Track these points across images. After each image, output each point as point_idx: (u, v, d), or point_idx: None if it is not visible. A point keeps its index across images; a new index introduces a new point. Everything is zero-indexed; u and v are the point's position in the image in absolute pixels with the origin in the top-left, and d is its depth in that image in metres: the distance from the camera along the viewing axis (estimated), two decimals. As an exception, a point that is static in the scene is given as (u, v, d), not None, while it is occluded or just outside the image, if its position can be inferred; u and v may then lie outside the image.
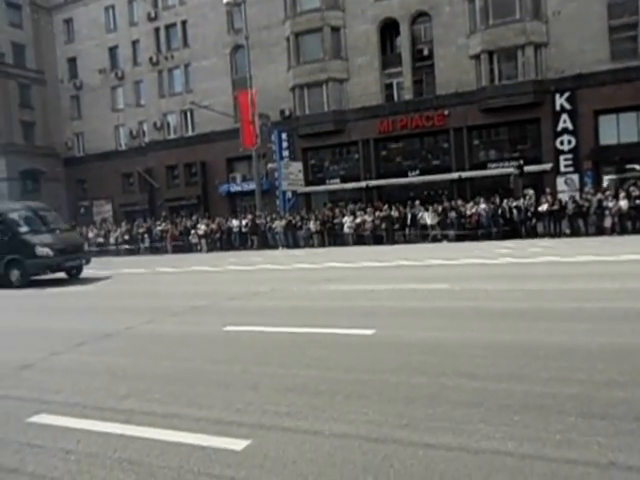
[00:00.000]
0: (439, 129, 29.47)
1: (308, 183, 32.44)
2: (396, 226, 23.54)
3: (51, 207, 18.02)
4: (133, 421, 3.82)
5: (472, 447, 3.06)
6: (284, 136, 31.99)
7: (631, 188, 20.93)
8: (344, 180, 31.84)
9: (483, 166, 28.66)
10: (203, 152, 35.48)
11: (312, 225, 25.01)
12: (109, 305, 10.38)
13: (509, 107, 27.06)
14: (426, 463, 2.92)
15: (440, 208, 23.32)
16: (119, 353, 6.09)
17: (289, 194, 31.49)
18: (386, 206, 24.84)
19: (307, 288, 10.75)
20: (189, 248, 27.67)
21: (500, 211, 22.17)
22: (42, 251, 14.37)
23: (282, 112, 32.70)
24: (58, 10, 42.88)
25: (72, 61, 42.47)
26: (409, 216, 23.52)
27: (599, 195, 21.01)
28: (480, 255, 15.12)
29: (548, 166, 26.85)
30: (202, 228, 27.66)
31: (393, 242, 23.05)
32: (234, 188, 34.90)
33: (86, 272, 16.28)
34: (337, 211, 26.17)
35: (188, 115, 37.04)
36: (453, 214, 22.81)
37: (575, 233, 20.68)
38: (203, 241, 27.37)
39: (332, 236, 24.67)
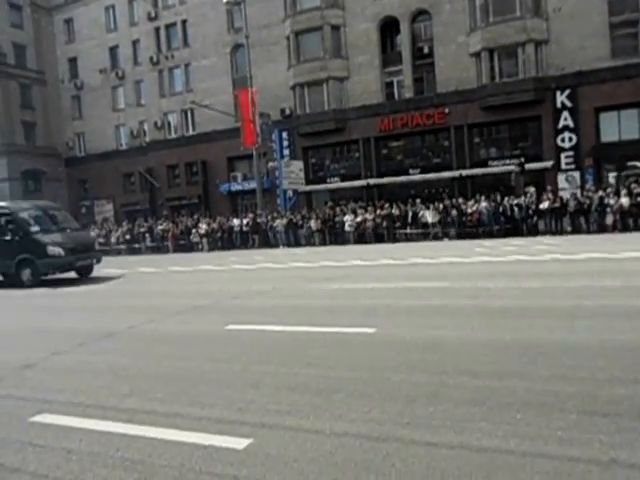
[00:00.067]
0: (440, 127, 29.46)
1: (309, 182, 32.46)
2: (397, 224, 23.53)
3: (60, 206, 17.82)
4: (135, 420, 3.83)
5: (474, 445, 3.07)
6: (285, 135, 32.01)
7: (632, 185, 20.89)
8: (345, 179, 31.84)
9: (484, 164, 28.64)
10: (204, 151, 35.50)
11: (313, 224, 25.01)
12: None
13: (510, 105, 27.04)
14: (427, 461, 2.92)
15: (441, 206, 23.30)
16: (121, 352, 6.10)
17: (290, 193, 31.49)
18: (387, 204, 24.82)
19: (308, 287, 10.75)
20: (190, 247, 27.68)
21: (501, 209, 22.14)
22: (53, 251, 14.21)
23: (282, 111, 32.71)
24: (58, 10, 42.92)
25: (73, 61, 42.52)
26: (410, 214, 23.52)
27: (600, 192, 20.97)
28: (481, 253, 15.11)
29: (549, 164, 26.83)
30: (203, 227, 27.66)
31: (394, 240, 23.04)
32: (235, 187, 34.92)
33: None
34: (338, 210, 26.15)
35: (189, 114, 37.06)
36: (454, 212, 22.80)
37: (576, 231, 20.65)
38: (204, 240, 27.37)
39: (333, 235, 24.68)
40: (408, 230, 23.43)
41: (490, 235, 21.52)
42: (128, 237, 30.19)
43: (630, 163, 25.86)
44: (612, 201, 20.11)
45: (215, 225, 27.69)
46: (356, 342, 5.76)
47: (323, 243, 24.52)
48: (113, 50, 40.78)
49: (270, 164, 31.74)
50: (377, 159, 31.14)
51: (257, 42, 31.57)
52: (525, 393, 3.80)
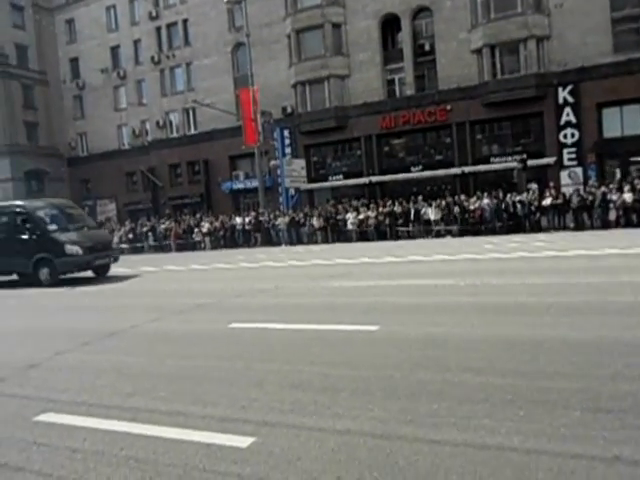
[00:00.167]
0: (441, 124, 29.39)
1: (311, 180, 32.47)
2: (399, 222, 23.52)
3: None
4: (139, 419, 3.83)
5: (477, 442, 3.06)
6: (286, 133, 31.97)
7: (636, 181, 20.84)
8: (347, 176, 31.82)
9: (486, 161, 28.57)
10: (206, 150, 35.52)
11: (315, 222, 25.01)
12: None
13: (512, 101, 26.97)
14: (431, 459, 2.92)
15: (443, 203, 23.26)
16: (124, 351, 6.11)
17: (292, 191, 31.47)
18: (389, 202, 24.81)
19: (311, 285, 10.75)
20: (193, 246, 27.73)
21: (504, 206, 22.11)
22: (72, 249, 14.02)
23: (284, 109, 32.69)
24: (60, 11, 42.98)
25: (74, 61, 42.59)
26: (412, 211, 23.50)
27: (603, 188, 20.91)
28: (484, 250, 15.08)
29: (551, 160, 26.75)
30: (206, 226, 27.69)
31: (397, 238, 23.03)
32: (237, 186, 34.93)
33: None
34: (340, 207, 26.16)
35: (190, 113, 37.07)
36: (456, 209, 22.77)
37: (579, 227, 20.60)
38: (207, 239, 27.41)
39: (335, 232, 24.68)
40: (410, 227, 23.42)
41: (493, 232, 21.49)
42: (131, 236, 30.23)
43: (633, 158, 25.66)
44: (615, 197, 20.06)
45: (217, 224, 27.72)
46: (359, 340, 5.77)
47: (325, 241, 24.52)
48: (114, 50, 40.84)
49: (272, 162, 31.73)
50: (379, 157, 31.10)
51: (258, 41, 31.56)
52: (528, 390, 3.79)
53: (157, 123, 38.29)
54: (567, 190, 23.21)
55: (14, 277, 15.67)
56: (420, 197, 24.80)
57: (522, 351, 4.76)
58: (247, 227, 26.91)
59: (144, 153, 38.60)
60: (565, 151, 26.73)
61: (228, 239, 27.23)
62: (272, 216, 26.87)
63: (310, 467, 2.95)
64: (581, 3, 26.00)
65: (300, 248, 22.75)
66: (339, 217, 24.90)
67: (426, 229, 23.03)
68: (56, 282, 13.95)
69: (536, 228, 21.26)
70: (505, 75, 27.57)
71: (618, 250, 12.56)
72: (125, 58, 40.40)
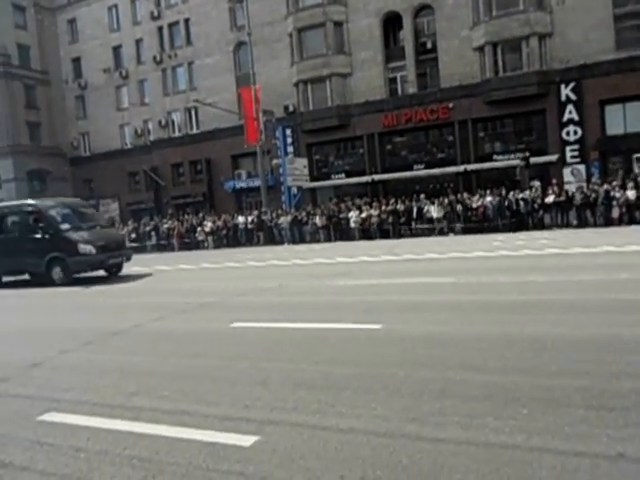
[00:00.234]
0: (444, 122, 29.35)
1: (313, 178, 32.45)
2: (402, 220, 23.50)
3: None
4: (142, 418, 3.84)
5: (481, 441, 3.06)
6: (288, 132, 31.96)
7: (639, 178, 20.77)
8: (349, 175, 31.80)
9: (489, 158, 28.52)
10: (208, 149, 35.54)
11: (318, 220, 25.01)
12: (120, 303, 10.44)
13: (514, 99, 26.90)
14: (434, 457, 2.92)
15: (446, 201, 23.23)
16: (128, 351, 6.13)
17: (294, 190, 31.45)
18: (392, 200, 24.78)
19: (314, 283, 10.75)
20: (196, 245, 27.74)
21: (506, 203, 22.06)
22: (85, 248, 13.90)
23: (286, 108, 32.67)
24: (61, 11, 43.04)
25: (76, 61, 42.64)
26: (415, 210, 23.48)
27: (606, 185, 20.86)
28: (486, 248, 15.06)
29: (554, 157, 26.69)
30: (208, 225, 27.71)
31: (399, 236, 23.01)
32: (239, 185, 34.95)
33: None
34: (343, 206, 26.14)
35: (192, 113, 37.07)
36: (459, 207, 22.73)
37: (583, 224, 20.55)
38: (210, 238, 27.43)
39: (338, 231, 24.67)
40: (413, 225, 23.40)
41: (496, 230, 21.46)
42: (134, 236, 30.24)
43: (636, 155, 25.58)
44: (618, 194, 20.00)
45: (220, 223, 27.73)
46: (362, 338, 5.76)
47: (328, 239, 24.51)
48: (116, 50, 40.89)
49: (274, 161, 31.72)
50: (381, 155, 31.07)
51: (260, 39, 31.56)
52: (531, 388, 3.79)
53: (159, 122, 38.32)
54: (570, 187, 23.14)
55: (25, 277, 15.63)
56: (423, 195, 24.77)
57: (525, 349, 4.76)
58: (250, 226, 26.91)
59: (146, 152, 38.63)
60: (568, 148, 26.67)
61: (231, 238, 27.25)
62: (275, 215, 26.88)
63: (313, 466, 2.95)
64: (583, 0, 25.91)
65: (303, 247, 22.76)
66: (342, 216, 24.88)
67: (429, 227, 23.01)
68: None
69: (539, 226, 21.22)
70: (507, 73, 27.50)
71: (620, 248, 12.52)
72: (127, 58, 40.44)
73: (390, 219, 23.50)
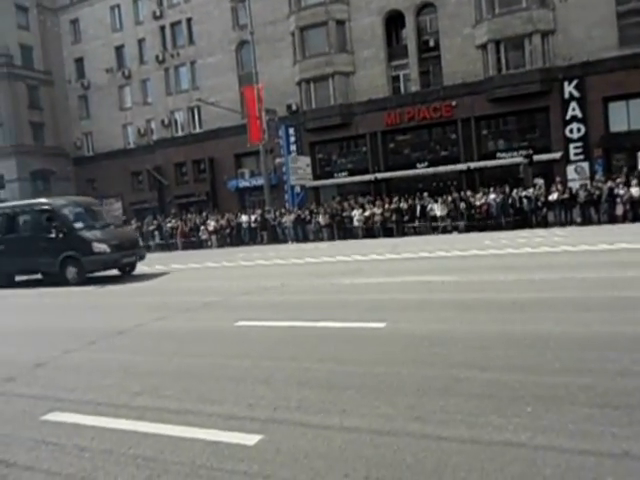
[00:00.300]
0: (447, 120, 29.31)
1: (316, 177, 32.45)
2: (405, 218, 23.49)
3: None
4: (146, 417, 3.85)
5: (485, 439, 3.06)
6: (291, 131, 31.94)
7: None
8: (352, 173, 31.80)
9: (492, 156, 28.48)
10: (211, 148, 35.58)
11: (321, 219, 25.00)
12: (121, 303, 10.45)
13: (517, 96, 26.85)
14: (438, 456, 2.91)
15: (449, 199, 23.21)
16: (131, 350, 6.13)
17: (297, 188, 31.46)
18: (395, 198, 24.77)
19: (317, 282, 10.75)
20: (199, 244, 27.77)
21: (510, 201, 22.02)
22: (99, 247, 13.77)
23: (289, 107, 32.67)
24: (64, 11, 43.12)
25: (79, 61, 42.75)
26: (418, 208, 23.46)
27: (610, 183, 20.80)
28: (490, 246, 15.04)
29: (558, 155, 26.63)
30: (212, 224, 27.74)
31: (403, 234, 23.00)
32: (242, 184, 34.97)
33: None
34: (346, 204, 26.14)
35: (195, 112, 37.12)
36: (463, 205, 22.71)
37: (586, 222, 20.50)
38: (213, 237, 27.47)
39: (341, 229, 24.66)
40: (417, 224, 23.37)
41: (499, 227, 21.43)
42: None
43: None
44: (622, 191, 19.94)
45: (223, 222, 27.76)
46: (365, 337, 5.76)
47: (331, 238, 24.51)
48: (119, 49, 40.97)
49: (277, 160, 31.74)
50: (384, 153, 31.05)
51: (262, 38, 31.58)
52: (535, 386, 3.78)
53: (162, 122, 38.37)
54: (574, 185, 23.10)
55: (38, 276, 15.56)
56: (426, 193, 24.75)
57: (528, 347, 4.75)
58: (253, 225, 26.94)
59: (149, 152, 38.70)
60: (571, 146, 26.60)
61: (234, 237, 27.28)
62: (278, 214, 26.90)
63: (317, 465, 2.95)
64: (586, -3, 25.84)
65: (306, 245, 22.76)
66: (345, 214, 24.89)
67: (432, 225, 22.99)
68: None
69: (543, 223, 21.17)
70: (510, 70, 27.44)
71: (623, 245, 12.48)
72: (130, 57, 40.51)
73: (393, 217, 23.50)
